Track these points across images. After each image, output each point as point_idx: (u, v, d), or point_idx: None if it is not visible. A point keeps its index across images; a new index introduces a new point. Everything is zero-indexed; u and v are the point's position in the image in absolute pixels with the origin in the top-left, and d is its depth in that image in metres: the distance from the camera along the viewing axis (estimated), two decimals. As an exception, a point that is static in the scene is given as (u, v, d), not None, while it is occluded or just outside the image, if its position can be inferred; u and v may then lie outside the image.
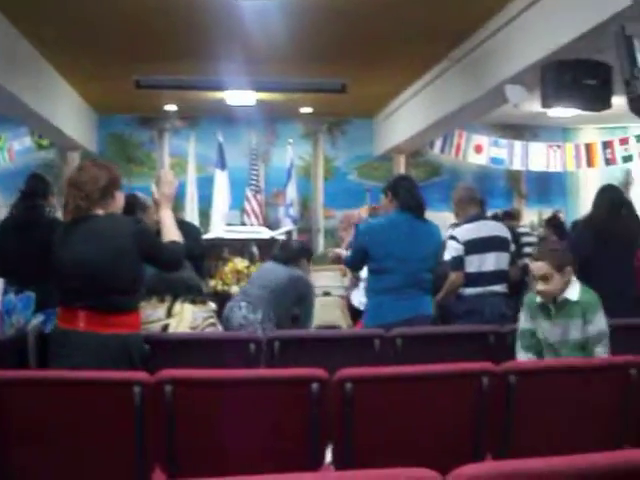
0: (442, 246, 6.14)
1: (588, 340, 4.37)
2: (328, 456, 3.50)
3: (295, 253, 6.75)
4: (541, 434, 3.54)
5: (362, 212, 8.16)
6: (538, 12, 8.01)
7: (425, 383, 3.47)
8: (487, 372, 3.42)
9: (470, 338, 5.05)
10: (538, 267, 4.45)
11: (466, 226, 6.32)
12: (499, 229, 6.56)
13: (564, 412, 3.61)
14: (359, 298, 7.17)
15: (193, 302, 5.05)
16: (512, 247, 6.52)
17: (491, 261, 6.24)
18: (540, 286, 4.43)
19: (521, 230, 10.65)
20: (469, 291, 6.19)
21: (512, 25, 8.65)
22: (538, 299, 4.52)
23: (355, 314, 7.45)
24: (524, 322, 4.58)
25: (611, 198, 6.22)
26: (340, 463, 3.36)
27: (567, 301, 4.43)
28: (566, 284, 4.44)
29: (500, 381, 3.44)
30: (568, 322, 4.40)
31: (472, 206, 6.53)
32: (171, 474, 3.26)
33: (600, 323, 4.39)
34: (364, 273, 6.42)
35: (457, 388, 3.48)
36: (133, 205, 5.51)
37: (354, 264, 5.96)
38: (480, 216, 6.57)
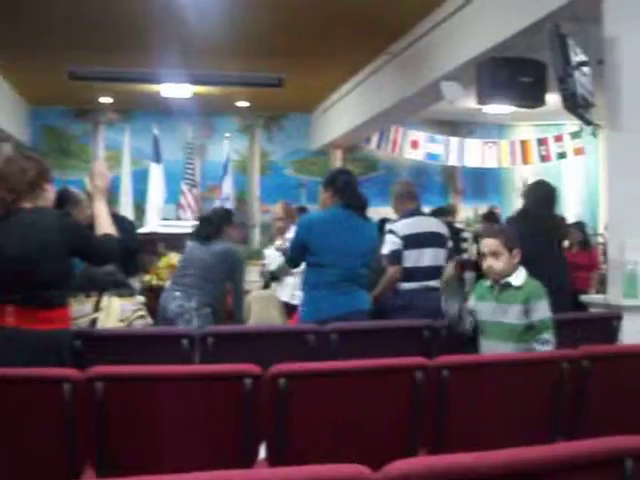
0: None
1: (530, 327, 4.37)
2: (262, 453, 3.47)
3: (215, 225, 6.64)
4: (475, 428, 3.55)
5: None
6: (475, 10, 8.07)
7: (359, 378, 3.46)
8: (421, 367, 3.42)
9: (405, 333, 5.05)
10: (489, 243, 4.50)
11: (405, 221, 6.33)
12: (437, 225, 6.58)
13: (497, 406, 3.63)
14: (290, 292, 7.12)
15: (120, 296, 4.99)
16: (449, 243, 6.54)
17: (428, 256, 6.25)
18: (490, 261, 4.47)
19: (457, 226, 10.76)
20: (406, 286, 6.21)
21: (449, 22, 8.71)
22: (487, 283, 4.57)
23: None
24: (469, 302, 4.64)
25: (545, 194, 6.28)
26: (274, 460, 3.33)
27: (510, 285, 4.46)
28: (514, 268, 4.49)
29: (434, 375, 3.44)
30: (507, 307, 4.43)
31: (410, 201, 6.53)
32: (102, 474, 3.20)
33: (545, 311, 4.42)
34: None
35: (391, 383, 3.47)
36: (64, 199, 5.42)
37: (294, 258, 5.81)
38: (418, 211, 6.59)
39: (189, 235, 6.87)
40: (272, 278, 7.49)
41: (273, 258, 7.40)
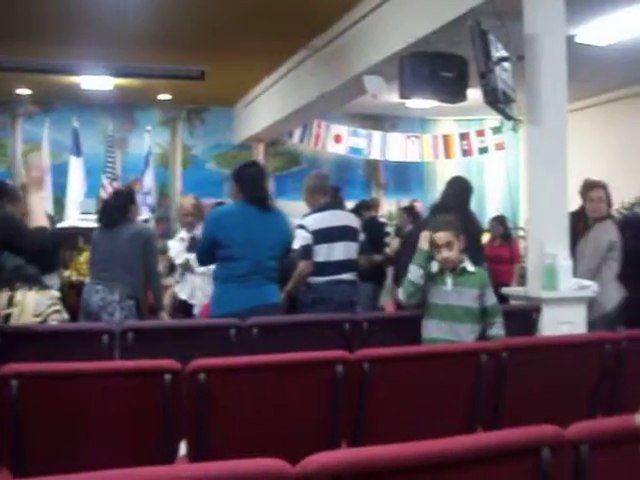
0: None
1: (485, 310, 4.80)
2: (182, 449, 3.44)
3: (119, 208, 6.49)
4: (396, 420, 3.57)
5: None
6: (397, 4, 8.11)
7: (280, 372, 3.45)
8: (342, 360, 3.42)
9: (326, 326, 5.05)
10: (442, 236, 4.81)
11: (315, 215, 6.32)
12: (348, 219, 6.59)
13: (419, 398, 3.65)
14: (189, 291, 7.07)
15: (31, 289, 4.90)
16: (361, 237, 6.53)
17: (340, 250, 6.26)
18: (445, 253, 4.80)
19: (380, 220, 10.79)
20: (318, 279, 6.21)
21: (371, 16, 8.73)
22: (435, 268, 4.89)
23: (182, 308, 7.24)
24: (420, 278, 4.89)
25: (459, 189, 6.32)
26: (194, 456, 3.30)
27: (465, 270, 4.83)
28: (461, 253, 4.84)
29: (355, 368, 3.44)
30: (464, 290, 4.78)
31: (323, 195, 6.52)
32: (18, 473, 3.13)
33: (494, 296, 4.85)
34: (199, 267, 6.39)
35: (313, 376, 3.47)
36: (1, 192, 5.30)
37: (204, 253, 5.67)
38: (330, 205, 6.56)
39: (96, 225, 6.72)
40: (171, 270, 7.41)
41: (177, 250, 7.32)
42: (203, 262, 5.88)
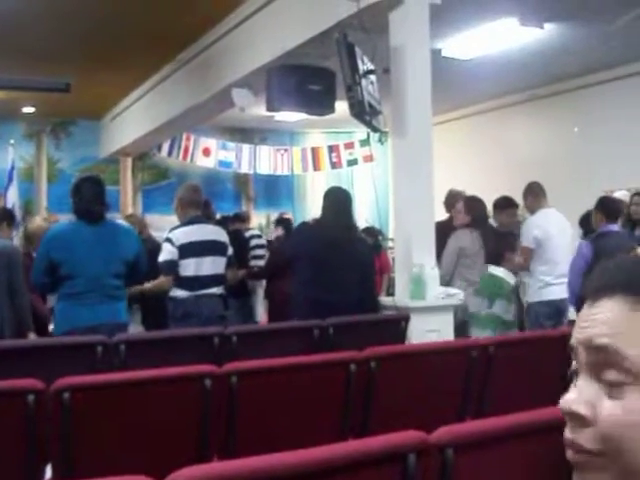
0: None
1: None
2: (48, 472, 3.33)
3: None
4: (267, 432, 3.55)
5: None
6: (265, 17, 8.13)
7: (148, 388, 3.39)
8: (209, 374, 3.38)
9: (195, 341, 4.99)
10: None
11: (183, 229, 6.26)
12: (217, 233, 6.54)
13: (289, 409, 3.65)
14: None
15: None
16: (230, 251, 6.52)
17: (208, 265, 6.23)
18: None
19: (252, 233, 10.74)
20: (185, 294, 6.16)
21: (240, 29, 8.73)
22: None
23: None
24: None
25: (338, 199, 6.31)
26: (60, 479, 3.20)
27: None
28: None
29: (223, 382, 3.41)
30: None
31: (192, 208, 6.47)
32: None
33: None
34: None
35: (181, 391, 3.42)
36: None
37: (41, 276, 5.39)
38: (199, 219, 6.51)
39: None
40: None
41: None
42: (43, 287, 5.66)
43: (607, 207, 6.58)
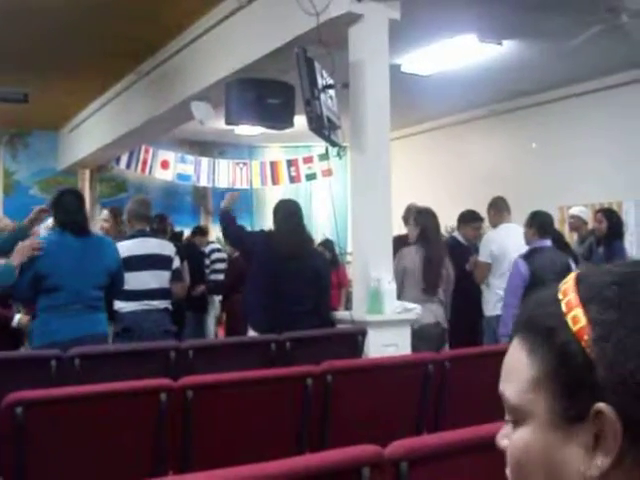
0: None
1: None
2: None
3: None
4: (224, 446, 3.54)
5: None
6: (225, 30, 8.12)
7: (103, 402, 3.37)
8: (165, 388, 3.37)
9: (150, 355, 4.96)
10: None
11: (125, 243, 6.25)
12: (160, 246, 6.54)
13: (246, 423, 3.65)
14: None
15: None
16: (175, 264, 6.53)
17: (149, 278, 6.24)
18: None
19: (213, 247, 10.73)
20: (127, 308, 6.17)
21: (199, 42, 8.72)
22: None
23: None
24: None
25: (289, 212, 6.30)
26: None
27: None
28: None
29: (179, 396, 3.39)
30: None
31: (139, 221, 6.49)
32: None
33: None
34: None
35: (136, 406, 3.40)
36: None
37: (24, 288, 5.31)
38: (142, 233, 6.50)
39: None
40: None
41: None
42: (24, 297, 5.61)
43: (540, 222, 6.58)
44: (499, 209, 7.61)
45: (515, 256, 6.60)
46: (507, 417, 0.99)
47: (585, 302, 0.92)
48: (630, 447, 0.85)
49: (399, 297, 6.25)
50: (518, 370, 0.96)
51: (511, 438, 0.97)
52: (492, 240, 7.36)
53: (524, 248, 6.63)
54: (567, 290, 0.95)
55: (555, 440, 0.90)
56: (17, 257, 5.16)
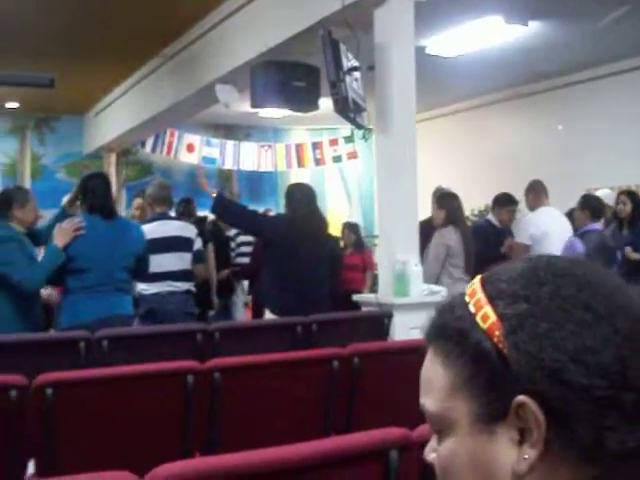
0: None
1: None
2: (31, 468, 3.33)
3: None
4: (250, 428, 3.55)
5: None
6: (250, 13, 8.11)
7: (130, 384, 3.39)
8: (192, 370, 3.39)
9: (177, 337, 4.99)
10: None
11: (147, 226, 6.27)
12: (181, 229, 6.60)
13: (272, 405, 3.65)
14: None
15: None
16: (197, 246, 6.59)
17: (170, 261, 6.29)
18: None
19: (237, 230, 10.71)
20: (149, 290, 6.23)
21: (224, 25, 8.72)
22: None
23: None
24: None
25: (306, 196, 6.29)
26: (43, 474, 3.20)
27: None
28: None
29: (206, 378, 3.41)
30: None
31: (160, 205, 6.55)
32: None
33: None
34: None
35: (163, 387, 3.42)
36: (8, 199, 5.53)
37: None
38: (162, 216, 6.56)
39: None
40: None
41: None
42: (51, 279, 5.64)
43: (591, 206, 6.60)
44: (537, 192, 7.58)
45: (555, 239, 6.58)
46: (432, 430, 0.98)
47: (493, 299, 0.91)
48: (556, 436, 0.85)
49: (439, 277, 6.27)
50: (434, 380, 0.95)
51: (438, 450, 0.96)
52: (532, 222, 7.34)
53: (564, 231, 6.60)
54: (474, 291, 0.95)
55: (481, 443, 0.90)
56: (61, 239, 5.23)
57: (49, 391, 3.12)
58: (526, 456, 0.86)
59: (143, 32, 9.42)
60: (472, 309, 0.92)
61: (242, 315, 9.62)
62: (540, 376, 0.85)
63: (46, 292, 6.34)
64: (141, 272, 5.80)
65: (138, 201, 8.14)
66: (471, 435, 0.91)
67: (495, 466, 0.89)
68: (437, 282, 6.42)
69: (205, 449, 3.50)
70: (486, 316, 0.90)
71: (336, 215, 14.23)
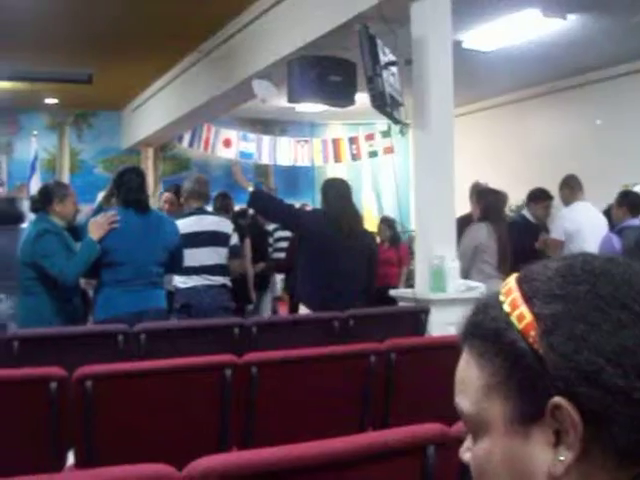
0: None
1: None
2: (70, 458, 3.37)
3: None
4: (286, 423, 3.57)
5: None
6: (286, 8, 8.12)
7: (168, 378, 3.41)
8: (230, 364, 3.40)
9: (215, 331, 5.01)
10: None
11: (182, 220, 6.31)
12: (217, 224, 6.61)
13: (309, 400, 3.66)
14: None
15: None
16: (233, 241, 6.60)
17: (206, 255, 6.33)
18: None
19: (276, 225, 10.72)
20: (185, 285, 6.26)
21: (261, 20, 8.73)
22: None
23: None
24: None
25: (342, 191, 6.27)
26: (82, 464, 3.23)
27: None
28: None
29: (243, 372, 3.43)
30: None
31: (196, 199, 6.59)
32: None
33: None
34: None
35: (201, 381, 3.44)
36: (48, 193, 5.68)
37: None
38: (199, 210, 6.59)
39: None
40: None
41: None
42: (87, 272, 5.68)
43: (631, 201, 6.54)
44: (572, 187, 7.52)
45: (589, 234, 6.52)
46: (466, 429, 0.98)
47: (529, 298, 0.91)
48: (594, 437, 0.84)
49: (469, 273, 6.24)
50: (469, 380, 0.95)
51: (473, 450, 0.96)
52: (566, 217, 7.28)
53: (599, 226, 6.54)
54: (509, 291, 0.94)
55: (516, 444, 0.89)
56: (96, 232, 5.28)
57: (89, 383, 3.15)
58: (562, 458, 0.85)
59: (180, 28, 9.47)
60: (507, 308, 0.92)
61: (267, 311, 9.61)
62: (576, 378, 0.84)
63: (83, 280, 6.40)
64: (175, 266, 5.84)
65: (167, 195, 8.21)
66: (506, 436, 0.90)
67: (531, 467, 0.88)
68: (466, 278, 6.37)
69: (242, 443, 3.52)
70: (522, 316, 0.90)
71: (371, 210, 14.21)
